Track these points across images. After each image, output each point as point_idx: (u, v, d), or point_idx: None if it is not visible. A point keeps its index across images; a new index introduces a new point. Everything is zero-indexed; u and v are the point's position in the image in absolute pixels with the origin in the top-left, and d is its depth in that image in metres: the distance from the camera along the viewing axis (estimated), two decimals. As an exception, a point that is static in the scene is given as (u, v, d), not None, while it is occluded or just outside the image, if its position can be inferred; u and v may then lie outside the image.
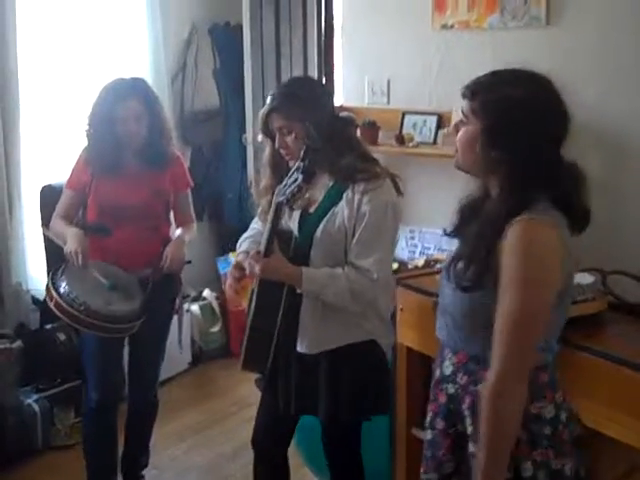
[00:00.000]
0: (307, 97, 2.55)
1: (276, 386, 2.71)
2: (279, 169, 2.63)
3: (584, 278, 2.69)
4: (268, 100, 2.58)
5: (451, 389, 2.06)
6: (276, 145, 2.58)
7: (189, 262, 3.37)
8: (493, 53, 3.55)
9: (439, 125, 3.77)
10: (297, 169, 2.40)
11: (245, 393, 4.56)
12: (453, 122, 2.17)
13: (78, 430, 3.91)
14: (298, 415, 2.79)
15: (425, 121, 3.83)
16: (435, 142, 3.76)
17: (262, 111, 2.59)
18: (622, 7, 3.19)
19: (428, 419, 2.16)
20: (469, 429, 2.00)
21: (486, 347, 1.88)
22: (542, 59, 3.31)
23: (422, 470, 2.17)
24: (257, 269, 2.45)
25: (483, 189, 2.06)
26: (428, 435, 2.15)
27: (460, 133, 2.00)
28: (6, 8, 3.98)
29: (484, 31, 3.62)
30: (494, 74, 1.98)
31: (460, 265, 1.94)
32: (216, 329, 5.16)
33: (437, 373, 2.13)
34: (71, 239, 3.10)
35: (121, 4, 4.64)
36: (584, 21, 3.31)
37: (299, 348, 2.61)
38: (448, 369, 2.07)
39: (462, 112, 2.00)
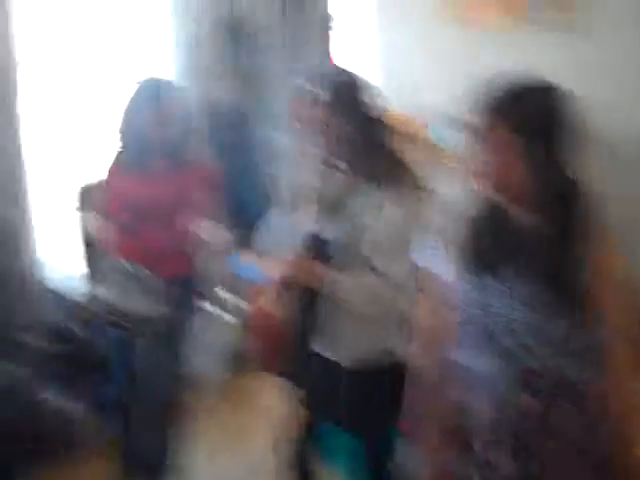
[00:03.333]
0: (357, 96, 2.54)
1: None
2: (324, 164, 2.61)
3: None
4: (319, 91, 2.52)
5: None
6: (322, 140, 2.55)
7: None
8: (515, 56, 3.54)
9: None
10: (335, 167, 2.43)
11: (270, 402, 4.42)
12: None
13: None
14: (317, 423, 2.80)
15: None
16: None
17: (309, 103, 2.55)
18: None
19: None
20: None
21: None
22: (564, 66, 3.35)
23: None
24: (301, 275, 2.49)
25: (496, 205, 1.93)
26: None
27: (503, 160, 1.81)
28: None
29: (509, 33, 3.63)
30: (516, 85, 1.83)
31: (540, 289, 1.86)
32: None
33: None
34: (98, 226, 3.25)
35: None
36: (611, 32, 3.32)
37: (331, 356, 2.60)
38: None
39: (497, 132, 1.81)
